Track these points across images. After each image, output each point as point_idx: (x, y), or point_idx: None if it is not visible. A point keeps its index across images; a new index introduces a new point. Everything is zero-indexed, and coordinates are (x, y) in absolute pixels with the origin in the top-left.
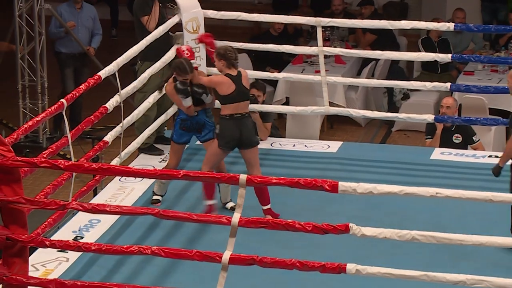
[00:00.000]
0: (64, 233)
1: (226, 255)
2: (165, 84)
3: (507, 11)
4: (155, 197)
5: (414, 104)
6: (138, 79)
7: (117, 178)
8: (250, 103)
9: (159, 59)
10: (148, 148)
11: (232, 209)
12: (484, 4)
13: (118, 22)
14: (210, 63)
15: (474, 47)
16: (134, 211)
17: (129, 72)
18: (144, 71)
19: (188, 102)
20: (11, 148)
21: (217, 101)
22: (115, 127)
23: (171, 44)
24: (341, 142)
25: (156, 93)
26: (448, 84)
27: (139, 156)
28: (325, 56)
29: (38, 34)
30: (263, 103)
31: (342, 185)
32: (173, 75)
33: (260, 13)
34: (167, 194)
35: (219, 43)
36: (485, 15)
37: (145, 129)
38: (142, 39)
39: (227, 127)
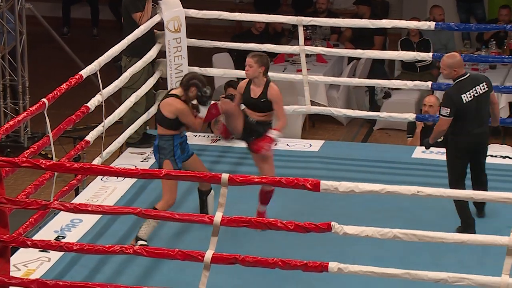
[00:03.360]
0: (46, 233)
1: (208, 254)
2: (170, 103)
3: (483, 9)
4: (142, 242)
5: (395, 102)
6: (120, 78)
7: (99, 177)
8: None
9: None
10: (139, 141)
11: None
12: (460, 4)
13: (99, 21)
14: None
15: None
16: (116, 211)
17: (111, 71)
18: (132, 67)
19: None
20: None
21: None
22: (96, 126)
23: (155, 42)
24: (323, 141)
25: (143, 88)
26: (429, 83)
27: (121, 156)
28: (307, 55)
29: (19, 34)
30: None
31: (324, 184)
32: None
33: (241, 12)
34: (148, 194)
35: (201, 42)
36: (461, 14)
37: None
38: None
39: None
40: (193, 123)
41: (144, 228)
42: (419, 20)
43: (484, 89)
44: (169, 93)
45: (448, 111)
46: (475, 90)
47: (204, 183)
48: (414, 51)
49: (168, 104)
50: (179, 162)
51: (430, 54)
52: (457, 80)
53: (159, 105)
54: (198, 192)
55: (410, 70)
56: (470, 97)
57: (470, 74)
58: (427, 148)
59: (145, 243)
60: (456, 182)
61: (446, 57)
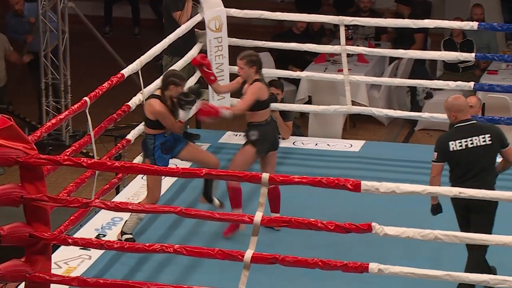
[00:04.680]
0: (87, 231)
1: (248, 254)
2: (150, 104)
3: None
4: (127, 236)
5: (437, 103)
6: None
7: (140, 176)
8: (270, 102)
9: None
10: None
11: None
12: (504, 4)
13: (140, 20)
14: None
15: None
16: (157, 209)
17: (152, 70)
18: (172, 66)
19: (187, 115)
20: (35, 146)
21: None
22: (137, 125)
23: (196, 41)
24: (364, 141)
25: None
26: (472, 83)
27: None
28: (348, 55)
29: (61, 32)
30: (282, 101)
31: (365, 184)
32: (157, 93)
33: (283, 12)
34: (188, 193)
35: (242, 42)
36: (505, 14)
37: None
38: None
39: (268, 133)
40: (172, 126)
41: (128, 222)
42: (462, 20)
43: (484, 141)
44: (153, 93)
45: (435, 156)
46: (471, 140)
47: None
48: (457, 51)
49: (149, 105)
50: (160, 162)
51: (473, 54)
52: (455, 125)
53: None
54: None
55: (452, 70)
56: (460, 146)
57: (475, 122)
58: (435, 213)
59: (130, 237)
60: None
61: (451, 98)
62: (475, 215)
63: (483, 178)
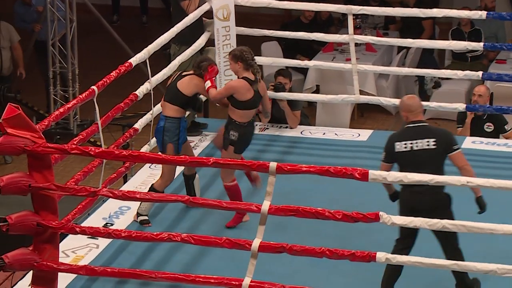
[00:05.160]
0: (94, 220)
1: (256, 243)
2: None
3: None
4: (143, 218)
5: (445, 92)
6: (169, 66)
7: (147, 165)
8: (278, 91)
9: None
10: (187, 129)
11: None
12: None
13: (148, 9)
14: None
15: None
16: (164, 198)
17: (160, 59)
18: (180, 55)
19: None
20: (42, 135)
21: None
22: (145, 114)
23: (204, 30)
24: (372, 131)
25: None
26: (480, 73)
27: None
28: (356, 44)
29: (69, 21)
30: (290, 90)
31: (373, 173)
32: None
33: (290, 1)
34: (200, 182)
35: (249, 31)
36: None
37: None
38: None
39: (248, 134)
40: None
41: (143, 204)
42: (470, 10)
43: (427, 145)
44: (186, 72)
45: (383, 156)
46: (416, 142)
47: (190, 168)
48: (465, 41)
49: (190, 79)
50: (180, 148)
51: (481, 44)
52: (405, 126)
53: (175, 84)
54: (184, 177)
55: (460, 59)
56: (405, 147)
57: (426, 125)
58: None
59: (146, 218)
60: (398, 243)
61: (405, 97)
62: (428, 218)
63: (430, 186)
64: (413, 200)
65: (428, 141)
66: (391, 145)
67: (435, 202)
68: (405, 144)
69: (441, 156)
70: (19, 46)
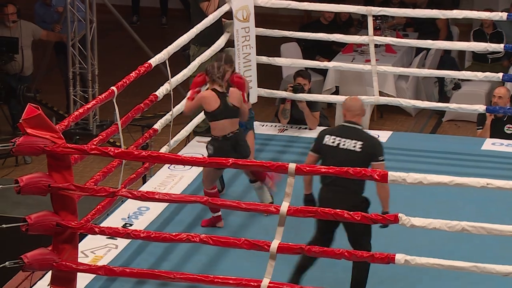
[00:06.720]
0: (113, 220)
1: (275, 244)
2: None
3: None
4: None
5: (465, 94)
6: (188, 67)
7: (166, 166)
8: (297, 92)
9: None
10: (207, 130)
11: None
12: None
13: (168, 10)
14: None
15: None
16: (183, 199)
17: (180, 60)
18: (200, 56)
19: None
20: (62, 135)
21: None
22: (164, 115)
23: (223, 31)
24: (391, 132)
25: None
26: (500, 74)
27: (188, 144)
28: (376, 45)
29: (89, 22)
30: (309, 91)
31: (392, 174)
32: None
33: (310, 2)
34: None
35: (269, 32)
36: None
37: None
38: None
39: (223, 149)
40: (246, 114)
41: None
42: (492, 11)
43: (353, 147)
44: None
45: (312, 145)
46: (344, 141)
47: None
48: (487, 42)
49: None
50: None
51: (502, 45)
52: (341, 123)
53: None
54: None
55: (481, 61)
56: (333, 142)
57: (359, 129)
58: (306, 204)
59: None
60: (314, 237)
61: (348, 97)
62: (346, 223)
63: (347, 186)
64: (326, 198)
65: (355, 143)
66: (321, 137)
67: (351, 203)
68: (334, 139)
69: (362, 161)
70: (45, 33)
